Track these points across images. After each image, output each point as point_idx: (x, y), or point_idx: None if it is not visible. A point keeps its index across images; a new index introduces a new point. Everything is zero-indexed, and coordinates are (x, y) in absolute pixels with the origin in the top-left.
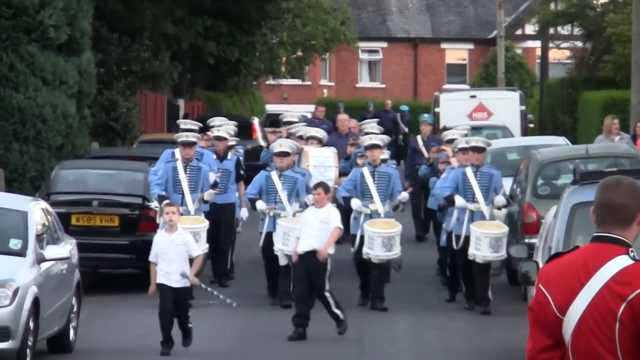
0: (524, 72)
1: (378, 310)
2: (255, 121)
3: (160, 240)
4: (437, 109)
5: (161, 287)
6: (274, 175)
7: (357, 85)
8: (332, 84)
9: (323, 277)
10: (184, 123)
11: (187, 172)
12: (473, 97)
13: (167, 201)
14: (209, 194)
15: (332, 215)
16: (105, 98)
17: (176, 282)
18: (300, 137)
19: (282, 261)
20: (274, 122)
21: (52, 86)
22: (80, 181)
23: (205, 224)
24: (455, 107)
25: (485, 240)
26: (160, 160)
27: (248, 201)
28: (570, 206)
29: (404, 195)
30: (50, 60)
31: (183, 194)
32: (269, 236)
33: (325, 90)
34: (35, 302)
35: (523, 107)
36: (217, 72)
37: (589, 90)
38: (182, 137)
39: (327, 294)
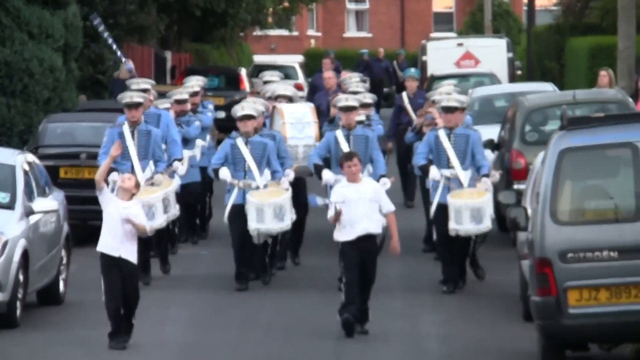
0: (511, 20)
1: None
2: (243, 72)
3: (112, 200)
4: (424, 58)
5: (105, 259)
6: (240, 142)
7: (344, 35)
8: (320, 34)
9: (376, 261)
10: (135, 83)
11: (135, 137)
12: (460, 45)
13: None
14: (158, 179)
15: (381, 194)
16: (92, 51)
17: (124, 252)
18: (270, 98)
19: (256, 239)
20: (261, 72)
21: (38, 40)
22: (68, 134)
23: (160, 193)
24: (443, 56)
25: (465, 212)
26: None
27: (212, 172)
28: (558, 152)
29: (386, 183)
30: (36, 13)
31: (132, 161)
32: (236, 209)
33: (312, 41)
34: (25, 254)
35: (510, 55)
36: (204, 23)
37: (575, 36)
38: (125, 97)
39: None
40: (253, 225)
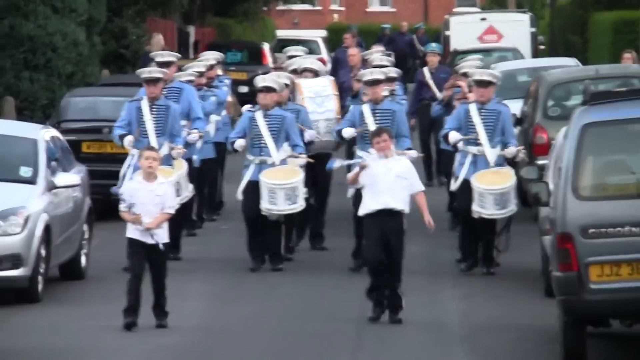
0: None
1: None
2: (266, 47)
3: (137, 188)
4: (447, 32)
5: (133, 243)
6: (259, 115)
7: (367, 10)
8: (343, 8)
9: (402, 241)
10: (160, 55)
11: (153, 112)
12: (483, 19)
13: (144, 146)
14: (177, 152)
15: (410, 171)
16: (115, 25)
17: (156, 237)
18: (294, 72)
19: (272, 217)
20: (284, 47)
21: (61, 14)
22: (91, 109)
23: (174, 177)
24: (466, 30)
25: (489, 197)
26: None
27: (229, 145)
28: (580, 126)
29: (412, 154)
30: None
31: (148, 137)
32: (250, 184)
33: (335, 15)
34: (47, 229)
35: (533, 29)
36: None
37: (599, 11)
38: (144, 72)
39: (401, 272)
40: (265, 205)
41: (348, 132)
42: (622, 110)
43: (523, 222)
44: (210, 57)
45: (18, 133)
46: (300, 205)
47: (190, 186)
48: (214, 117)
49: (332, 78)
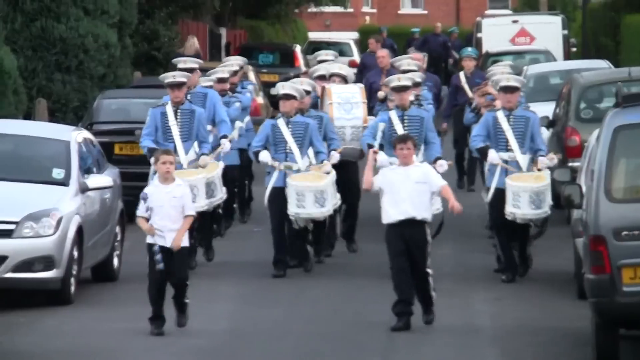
0: None
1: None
2: (298, 49)
3: (154, 192)
4: (479, 35)
5: (152, 249)
6: (281, 122)
7: (399, 12)
8: (374, 10)
9: (425, 251)
10: (182, 62)
11: (178, 117)
12: (515, 22)
13: (160, 150)
14: (203, 161)
15: (429, 173)
16: (147, 27)
17: (171, 240)
18: (322, 77)
19: (296, 225)
20: (316, 49)
21: (93, 16)
22: (123, 110)
23: (203, 175)
24: (497, 33)
25: (524, 196)
26: None
27: (253, 155)
28: (613, 129)
29: (442, 165)
30: None
31: (175, 142)
32: (277, 191)
33: (367, 17)
34: (79, 231)
35: (565, 31)
36: (259, 0)
37: (631, 13)
38: (168, 77)
39: (430, 271)
40: (293, 209)
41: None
42: None
43: (555, 224)
44: (234, 62)
45: (50, 135)
46: (328, 209)
47: (224, 189)
48: (237, 124)
49: (361, 86)
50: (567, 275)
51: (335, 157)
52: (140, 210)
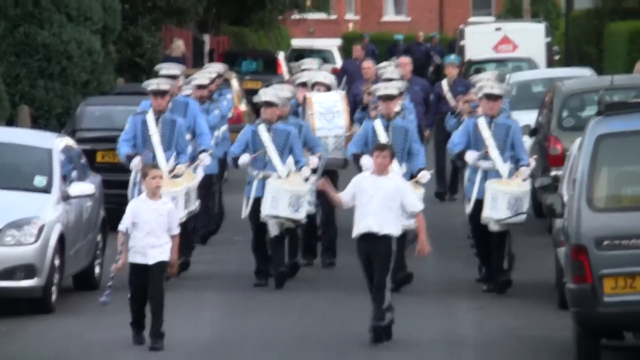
0: (550, 4)
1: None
2: (281, 56)
3: (141, 207)
4: (462, 42)
5: (134, 268)
6: (262, 129)
7: (382, 19)
8: (358, 17)
9: (388, 263)
10: (165, 68)
11: (159, 126)
12: (498, 29)
13: (148, 164)
14: (178, 170)
15: (405, 193)
16: (131, 34)
17: (153, 257)
18: (304, 85)
19: (273, 231)
20: (299, 56)
21: (76, 22)
22: (106, 118)
23: (184, 186)
24: (481, 40)
25: (503, 199)
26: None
27: (232, 161)
28: (595, 137)
29: (425, 176)
30: None
31: (154, 152)
32: (257, 203)
33: (350, 24)
34: (61, 239)
35: (548, 39)
36: (242, 6)
37: (615, 21)
38: (151, 84)
39: (388, 284)
40: (266, 210)
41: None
42: (637, 121)
43: (537, 233)
44: (214, 69)
45: (33, 142)
46: (302, 215)
47: (198, 201)
48: (214, 132)
49: (343, 93)
50: (549, 284)
51: (314, 161)
52: (123, 224)
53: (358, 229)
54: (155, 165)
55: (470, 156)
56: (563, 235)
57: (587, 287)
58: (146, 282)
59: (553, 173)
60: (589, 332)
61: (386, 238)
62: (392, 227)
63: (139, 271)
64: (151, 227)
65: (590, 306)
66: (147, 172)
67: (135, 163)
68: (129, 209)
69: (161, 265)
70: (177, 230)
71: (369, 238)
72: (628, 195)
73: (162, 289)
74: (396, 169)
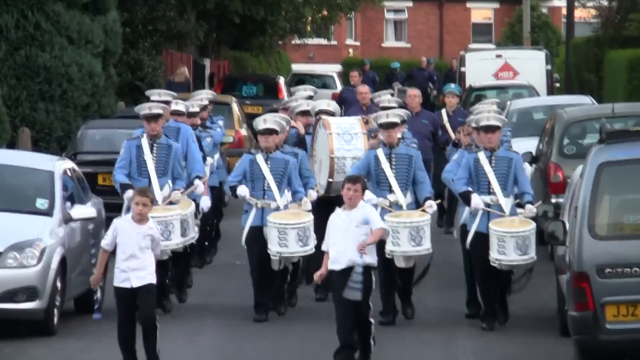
0: (550, 31)
1: (409, 319)
2: (281, 80)
3: (125, 227)
4: (462, 69)
5: (118, 292)
6: (260, 158)
7: (382, 45)
8: (358, 43)
9: (367, 297)
10: (157, 94)
11: (154, 151)
12: (499, 56)
13: (137, 189)
14: (175, 197)
15: (370, 214)
16: (131, 57)
17: (137, 280)
18: (305, 113)
19: (276, 265)
20: (299, 81)
21: (77, 45)
22: (107, 141)
23: (178, 212)
24: (481, 67)
25: (511, 241)
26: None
27: (229, 190)
28: (597, 165)
29: (432, 206)
30: (76, 19)
31: (150, 178)
32: (254, 231)
33: (350, 50)
34: (63, 262)
35: (549, 67)
36: (243, 31)
37: (615, 49)
38: (143, 109)
39: (372, 321)
40: (275, 248)
41: (242, 191)
42: (638, 149)
43: (539, 260)
44: (204, 96)
45: (34, 165)
46: (311, 247)
47: (196, 228)
48: (209, 160)
49: (359, 117)
50: (550, 311)
51: (313, 195)
52: (104, 241)
53: (339, 264)
54: (141, 191)
55: (476, 203)
56: (565, 263)
57: (589, 315)
58: (131, 307)
59: (554, 200)
60: (590, 359)
61: (367, 269)
62: (370, 256)
63: (123, 295)
64: (132, 251)
65: (592, 333)
66: (133, 196)
67: (129, 196)
68: (112, 227)
69: (150, 288)
70: (162, 256)
71: (349, 271)
72: (630, 223)
73: (153, 313)
74: (401, 199)
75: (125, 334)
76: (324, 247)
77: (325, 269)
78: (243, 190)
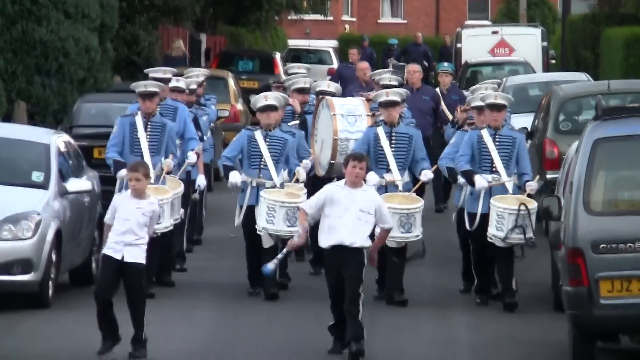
0: (546, 8)
1: (397, 304)
2: (277, 56)
3: (123, 202)
4: (458, 45)
5: (105, 259)
6: (259, 135)
7: (379, 21)
8: (354, 19)
9: (360, 272)
10: (161, 72)
11: (148, 129)
12: (495, 33)
13: (129, 166)
14: (166, 165)
15: (377, 206)
16: (128, 32)
17: (129, 255)
18: (301, 90)
19: (266, 243)
20: (295, 57)
21: (74, 19)
22: (103, 114)
23: (170, 193)
24: (477, 43)
25: (510, 219)
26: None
27: (222, 167)
28: (592, 141)
29: (427, 174)
30: None
31: (142, 156)
32: (250, 211)
33: (347, 26)
34: (58, 234)
35: (545, 43)
36: (239, 6)
37: (611, 26)
38: (139, 86)
39: (361, 294)
40: (262, 223)
41: (233, 178)
42: (634, 125)
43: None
44: (199, 73)
45: (30, 137)
46: (297, 229)
47: (182, 210)
48: (205, 140)
49: (363, 99)
50: (545, 287)
51: (308, 164)
52: (107, 217)
53: (329, 241)
54: (132, 167)
55: (480, 183)
56: (560, 239)
57: (583, 290)
58: (114, 278)
59: (549, 176)
60: (584, 334)
61: (358, 250)
62: (363, 240)
63: (108, 264)
64: (130, 226)
65: (586, 309)
66: (128, 173)
67: (122, 175)
68: (113, 202)
69: (139, 269)
70: (151, 234)
71: (340, 249)
72: (625, 199)
73: (141, 295)
74: (398, 179)
75: (105, 309)
76: (304, 206)
77: (303, 232)
78: (235, 178)
